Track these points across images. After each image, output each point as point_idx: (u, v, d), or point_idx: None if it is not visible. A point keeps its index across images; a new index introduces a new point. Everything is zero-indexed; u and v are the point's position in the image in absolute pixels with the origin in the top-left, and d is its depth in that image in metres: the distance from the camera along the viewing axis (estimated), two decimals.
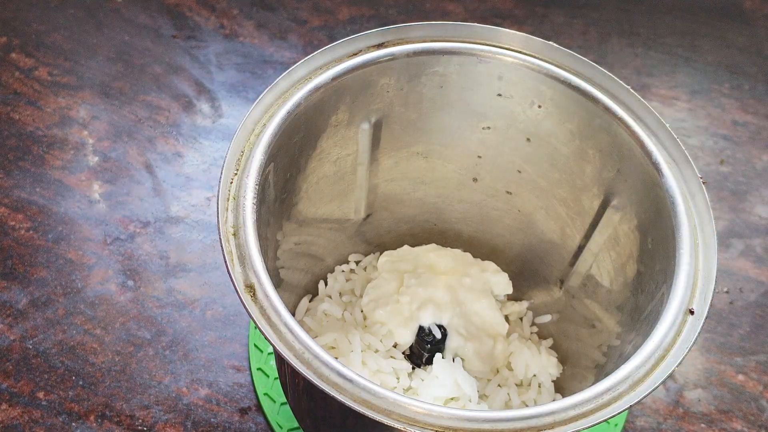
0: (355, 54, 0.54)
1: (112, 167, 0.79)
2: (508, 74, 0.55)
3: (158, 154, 0.81)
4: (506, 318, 0.66)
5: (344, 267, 0.68)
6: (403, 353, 0.62)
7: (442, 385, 0.58)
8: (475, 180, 0.64)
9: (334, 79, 0.52)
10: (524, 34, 0.54)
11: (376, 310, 0.62)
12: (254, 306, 0.43)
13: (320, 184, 0.59)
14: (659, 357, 0.44)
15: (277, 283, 0.57)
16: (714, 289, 0.46)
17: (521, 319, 0.67)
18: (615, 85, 0.53)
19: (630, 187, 0.53)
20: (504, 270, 0.66)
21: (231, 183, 0.48)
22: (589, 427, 0.41)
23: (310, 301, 0.65)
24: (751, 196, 0.83)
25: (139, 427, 0.64)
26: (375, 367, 0.59)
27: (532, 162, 0.59)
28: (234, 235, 0.46)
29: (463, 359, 0.62)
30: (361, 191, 0.62)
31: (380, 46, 0.54)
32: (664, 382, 0.54)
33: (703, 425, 0.67)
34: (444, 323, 0.62)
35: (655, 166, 0.50)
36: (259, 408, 0.66)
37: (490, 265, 0.66)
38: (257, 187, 0.47)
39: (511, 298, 0.68)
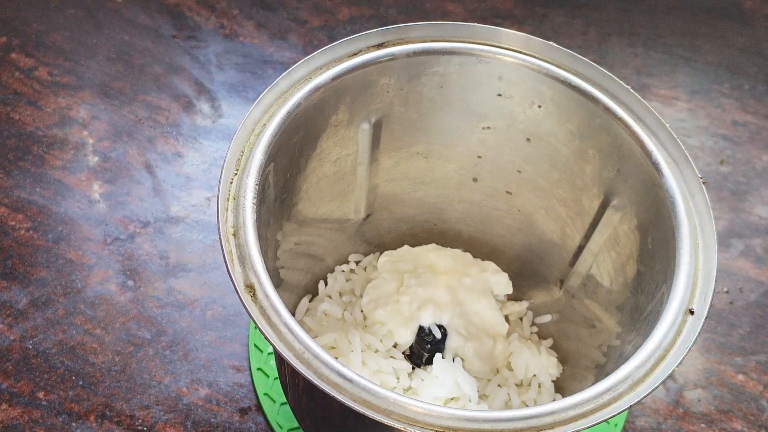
0: (355, 54, 0.54)
1: (112, 167, 0.79)
2: (508, 74, 0.55)
3: (158, 154, 0.81)
4: (506, 318, 0.66)
5: (344, 267, 0.68)
6: (403, 353, 0.62)
7: (442, 385, 0.58)
8: (475, 180, 0.64)
9: (334, 79, 0.52)
10: (524, 34, 0.54)
11: (376, 310, 0.62)
12: (254, 306, 0.43)
13: (320, 184, 0.59)
14: (659, 357, 0.44)
15: (277, 283, 0.57)
16: (714, 289, 0.46)
17: (521, 319, 0.67)
18: (615, 85, 0.53)
19: (630, 187, 0.53)
20: (504, 270, 0.66)
21: (231, 183, 0.48)
22: (589, 427, 0.41)
23: (310, 301, 0.65)
24: (751, 196, 0.83)
25: (139, 427, 0.64)
26: (375, 367, 0.59)
27: (532, 162, 0.59)
28: (234, 235, 0.46)
29: (463, 359, 0.62)
30: (361, 191, 0.62)
31: (380, 46, 0.54)
32: (664, 382, 0.54)
33: (703, 425, 0.67)
34: (444, 323, 0.62)
35: (655, 166, 0.50)
36: (259, 408, 0.66)
37: (490, 265, 0.66)
38: (257, 187, 0.47)
39: (511, 298, 0.68)
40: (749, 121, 0.89)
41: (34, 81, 0.85)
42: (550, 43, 0.54)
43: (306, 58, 0.52)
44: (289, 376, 0.54)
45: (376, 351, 0.61)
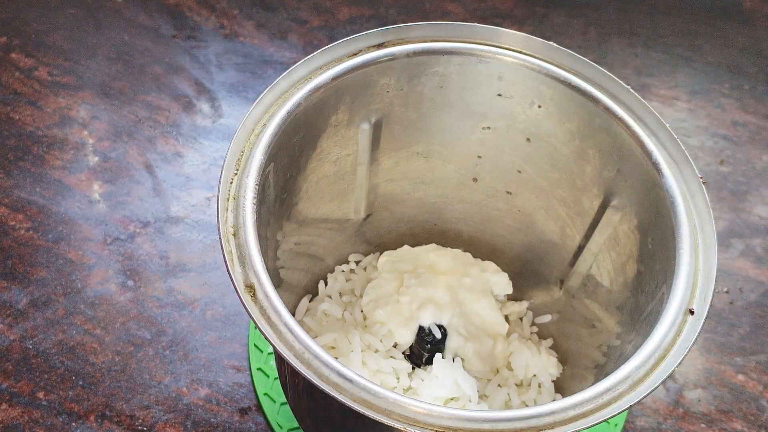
0: (355, 54, 0.54)
1: (112, 167, 0.79)
2: (508, 74, 0.55)
3: (158, 154, 0.81)
4: (506, 318, 0.66)
5: (344, 267, 0.68)
6: (403, 353, 0.62)
7: (442, 385, 0.58)
8: (475, 180, 0.64)
9: (334, 79, 0.52)
10: (524, 34, 0.54)
11: (376, 310, 0.62)
12: (254, 306, 0.43)
13: (320, 184, 0.59)
14: (659, 357, 0.44)
15: (277, 283, 0.57)
16: (714, 289, 0.46)
17: (521, 319, 0.67)
18: (615, 85, 0.53)
19: (630, 187, 0.53)
20: (504, 270, 0.66)
21: (231, 183, 0.48)
22: (589, 427, 0.41)
23: (310, 301, 0.65)
24: (751, 196, 0.83)
25: (139, 427, 0.64)
26: (375, 367, 0.59)
27: (532, 162, 0.59)
28: (234, 235, 0.46)
29: (463, 359, 0.62)
30: (361, 191, 0.62)
31: (380, 46, 0.54)
32: (664, 382, 0.54)
33: (703, 425, 0.67)
34: (444, 323, 0.62)
35: (655, 166, 0.50)
36: (259, 408, 0.66)
37: (490, 265, 0.66)
38: (257, 187, 0.47)
39: (511, 298, 0.68)
40: (749, 121, 0.89)
41: (34, 81, 0.85)
42: (550, 43, 0.54)
43: (306, 58, 0.52)
44: (289, 376, 0.54)
45: (376, 351, 0.61)
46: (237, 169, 0.48)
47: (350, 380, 0.41)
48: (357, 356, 0.58)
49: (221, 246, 0.45)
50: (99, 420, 0.64)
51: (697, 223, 0.48)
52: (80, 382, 0.66)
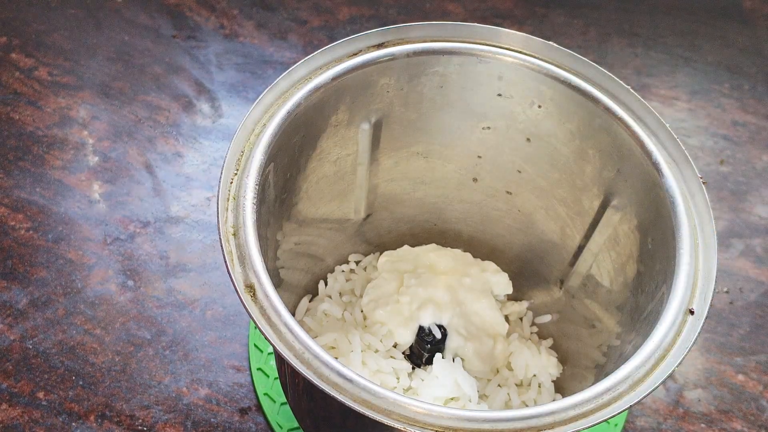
0: (355, 54, 0.54)
1: (112, 167, 0.79)
2: (508, 74, 0.55)
3: (158, 154, 0.81)
4: (506, 318, 0.66)
5: (344, 267, 0.68)
6: (403, 353, 0.62)
7: (442, 385, 0.58)
8: (475, 180, 0.64)
9: (334, 79, 0.52)
10: (524, 34, 0.54)
11: (376, 310, 0.62)
12: (254, 306, 0.43)
13: (320, 184, 0.59)
14: (659, 357, 0.44)
15: (277, 283, 0.57)
16: (714, 289, 0.46)
17: (521, 319, 0.67)
18: (615, 85, 0.53)
19: (630, 187, 0.53)
20: (504, 270, 0.66)
21: (231, 183, 0.48)
22: (589, 427, 0.41)
23: (310, 301, 0.65)
24: (751, 196, 0.83)
25: (139, 427, 0.64)
26: (375, 367, 0.59)
27: (532, 162, 0.59)
28: (234, 235, 0.46)
29: (463, 359, 0.62)
30: (361, 191, 0.62)
31: (380, 46, 0.54)
32: (664, 382, 0.54)
33: (703, 425, 0.67)
34: (444, 323, 0.62)
35: (655, 166, 0.50)
36: (259, 408, 0.66)
37: (490, 265, 0.66)
38: (257, 187, 0.47)
39: (511, 298, 0.68)
40: (749, 121, 0.89)
41: (34, 81, 0.85)
42: (550, 43, 0.54)
43: (306, 58, 0.52)
44: (289, 376, 0.54)
45: (376, 351, 0.61)
46: (237, 169, 0.48)
47: (350, 380, 0.41)
48: (357, 356, 0.58)
49: (221, 246, 0.45)
50: (99, 420, 0.64)
51: (697, 223, 0.48)
52: (80, 382, 0.66)
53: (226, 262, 0.44)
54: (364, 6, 0.96)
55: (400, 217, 0.67)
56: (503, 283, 0.65)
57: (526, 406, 0.61)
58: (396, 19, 0.94)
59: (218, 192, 0.46)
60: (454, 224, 0.68)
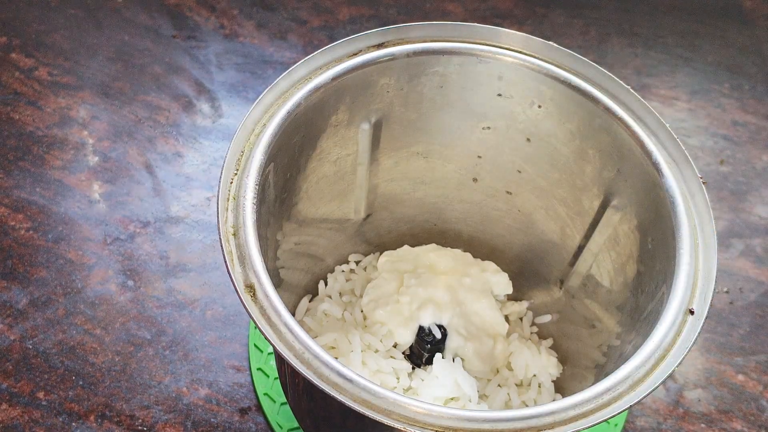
0: (355, 54, 0.54)
1: (112, 167, 0.79)
2: (508, 74, 0.55)
3: (158, 154, 0.81)
4: (506, 318, 0.66)
5: (344, 267, 0.68)
6: (403, 353, 0.62)
7: (442, 385, 0.58)
8: (475, 180, 0.64)
9: (334, 79, 0.52)
10: (524, 34, 0.54)
11: (376, 310, 0.62)
12: (254, 306, 0.43)
13: (320, 184, 0.59)
14: (659, 357, 0.44)
15: (277, 283, 0.57)
16: (714, 289, 0.46)
17: (521, 319, 0.67)
18: (615, 85, 0.53)
19: (630, 187, 0.53)
20: (504, 270, 0.66)
21: (231, 183, 0.48)
22: (589, 427, 0.41)
23: (310, 301, 0.65)
24: (751, 196, 0.83)
25: (139, 427, 0.64)
26: (375, 367, 0.59)
27: (532, 162, 0.59)
28: (234, 235, 0.46)
29: (463, 359, 0.62)
30: (361, 191, 0.62)
31: (380, 46, 0.54)
32: (664, 382, 0.54)
33: (703, 425, 0.67)
34: (444, 323, 0.62)
35: (655, 166, 0.50)
36: (259, 408, 0.66)
37: (490, 265, 0.66)
38: (257, 187, 0.47)
39: (511, 298, 0.68)
40: (749, 121, 0.89)
41: (34, 81, 0.85)
42: (550, 43, 0.54)
43: (306, 58, 0.52)
44: (289, 376, 0.54)
45: (376, 351, 0.61)
46: (237, 169, 0.48)
47: (350, 380, 0.41)
48: (357, 356, 0.58)
49: (221, 246, 0.45)
50: (99, 420, 0.64)
51: (697, 223, 0.48)
52: (80, 382, 0.66)
53: (226, 262, 0.44)
54: (364, 6, 0.96)
55: (400, 217, 0.67)
56: (503, 283, 0.65)
57: (526, 406, 0.61)
58: (396, 19, 0.94)
59: (218, 192, 0.46)
60: (454, 224, 0.68)
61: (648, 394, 0.42)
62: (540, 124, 0.57)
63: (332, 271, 0.68)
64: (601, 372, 0.56)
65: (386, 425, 0.40)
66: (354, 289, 0.66)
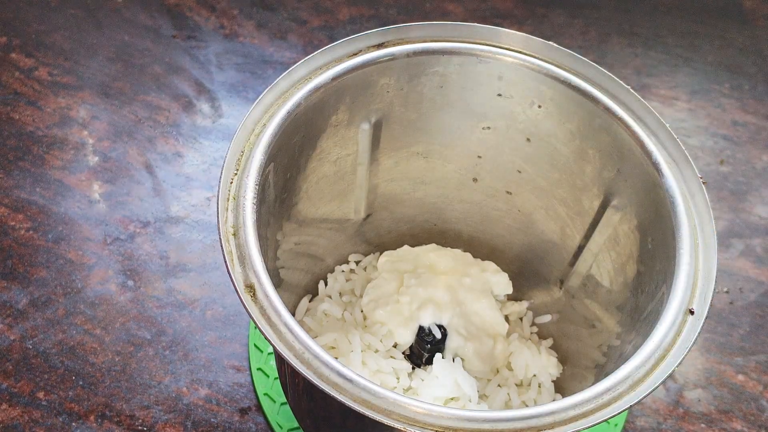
0: (355, 54, 0.54)
1: (112, 167, 0.79)
2: (508, 74, 0.55)
3: (158, 154, 0.81)
4: (506, 318, 0.66)
5: (344, 267, 0.68)
6: (403, 353, 0.62)
7: (442, 385, 0.58)
8: (475, 180, 0.64)
9: (334, 79, 0.52)
10: (524, 34, 0.54)
11: (376, 310, 0.62)
12: (254, 306, 0.43)
13: (320, 184, 0.59)
14: (659, 357, 0.44)
15: (277, 283, 0.57)
16: (714, 289, 0.46)
17: (521, 319, 0.67)
18: (615, 85, 0.53)
19: (630, 187, 0.53)
20: (504, 270, 0.66)
21: (231, 183, 0.48)
22: (589, 427, 0.41)
23: (310, 301, 0.65)
24: (751, 196, 0.83)
25: (139, 427, 0.64)
26: (375, 367, 0.59)
27: (532, 162, 0.59)
28: (234, 235, 0.46)
29: (463, 359, 0.62)
30: (361, 191, 0.62)
31: (380, 46, 0.54)
32: (664, 382, 0.54)
33: (703, 425, 0.67)
34: (444, 323, 0.62)
35: (655, 166, 0.50)
36: (259, 408, 0.66)
37: (490, 265, 0.66)
38: (257, 187, 0.47)
39: (511, 298, 0.68)
40: (749, 121, 0.89)
41: (34, 81, 0.85)
42: (550, 43, 0.54)
43: (306, 58, 0.52)
44: (289, 376, 0.54)
45: (376, 351, 0.61)
46: (237, 169, 0.48)
47: (350, 380, 0.41)
48: (357, 356, 0.58)
49: (221, 246, 0.45)
50: (99, 420, 0.64)
51: (697, 223, 0.48)
52: (80, 382, 0.66)
53: (226, 262, 0.44)
54: (364, 6, 0.96)
55: (400, 217, 0.67)
56: (503, 283, 0.65)
57: (526, 406, 0.61)
58: (396, 19, 0.94)
59: (218, 192, 0.46)
60: (454, 224, 0.68)
61: (648, 394, 0.42)
62: (540, 124, 0.57)
63: (332, 271, 0.68)
64: (601, 372, 0.56)
65: (386, 425, 0.40)
66: (354, 289, 0.66)
